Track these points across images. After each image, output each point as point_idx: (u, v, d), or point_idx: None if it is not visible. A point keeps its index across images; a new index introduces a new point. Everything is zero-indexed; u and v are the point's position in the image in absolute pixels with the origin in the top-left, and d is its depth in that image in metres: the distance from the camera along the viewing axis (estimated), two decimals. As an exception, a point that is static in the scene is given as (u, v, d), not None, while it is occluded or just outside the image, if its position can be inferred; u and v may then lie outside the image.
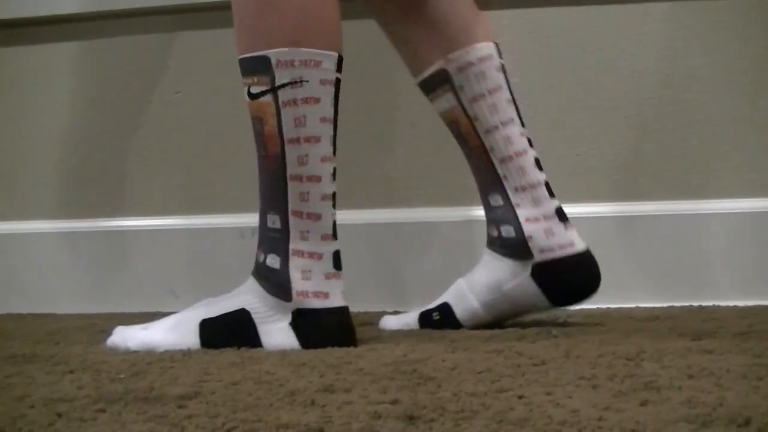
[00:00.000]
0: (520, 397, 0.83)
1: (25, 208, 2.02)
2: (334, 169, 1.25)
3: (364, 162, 1.85)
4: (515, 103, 1.44)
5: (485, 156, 1.42)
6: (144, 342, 1.25)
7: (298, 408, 0.81)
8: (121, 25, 1.96)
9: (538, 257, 1.40)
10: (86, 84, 1.98)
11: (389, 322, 1.49)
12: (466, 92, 1.41)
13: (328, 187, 1.23)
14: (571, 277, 1.41)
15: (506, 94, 1.42)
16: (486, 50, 1.42)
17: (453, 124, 1.45)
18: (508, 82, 1.44)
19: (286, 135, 1.21)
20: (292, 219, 1.22)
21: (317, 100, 1.21)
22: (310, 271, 1.22)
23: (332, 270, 1.23)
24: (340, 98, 1.26)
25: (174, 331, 1.26)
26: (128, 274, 1.92)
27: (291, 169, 1.22)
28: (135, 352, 1.22)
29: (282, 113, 1.20)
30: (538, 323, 1.45)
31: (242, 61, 1.23)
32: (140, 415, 0.79)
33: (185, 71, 1.93)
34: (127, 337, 1.27)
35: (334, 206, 1.25)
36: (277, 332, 1.23)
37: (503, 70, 1.44)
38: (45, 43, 2.01)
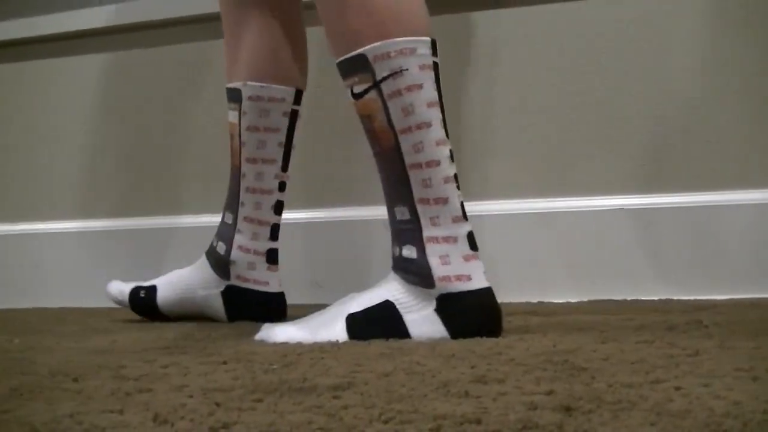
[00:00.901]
0: (677, 389, 0.81)
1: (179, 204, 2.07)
2: (450, 151, 1.24)
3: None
4: (288, 148, 1.56)
5: (237, 178, 1.56)
6: (292, 340, 1.26)
7: (452, 399, 0.80)
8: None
9: (233, 281, 1.58)
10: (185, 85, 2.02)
11: (112, 287, 1.68)
12: (247, 119, 1.53)
13: (449, 170, 1.23)
14: (252, 310, 1.57)
15: (280, 138, 1.55)
16: (280, 93, 1.53)
17: (230, 136, 1.58)
18: (291, 127, 1.56)
19: (397, 126, 1.22)
20: (419, 207, 1.23)
21: (420, 86, 1.21)
22: (447, 255, 1.22)
23: (469, 251, 1.22)
24: (440, 82, 1.25)
25: (322, 329, 1.26)
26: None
27: (408, 159, 1.22)
28: (284, 343, 1.23)
29: (389, 105, 1.22)
30: (685, 311, 1.42)
31: (340, 65, 1.25)
32: (296, 405, 0.80)
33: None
34: (274, 335, 1.28)
35: (458, 188, 1.24)
36: (423, 320, 1.22)
37: (291, 115, 1.55)
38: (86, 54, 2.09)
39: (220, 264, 1.58)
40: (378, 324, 1.24)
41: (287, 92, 1.54)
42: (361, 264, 1.89)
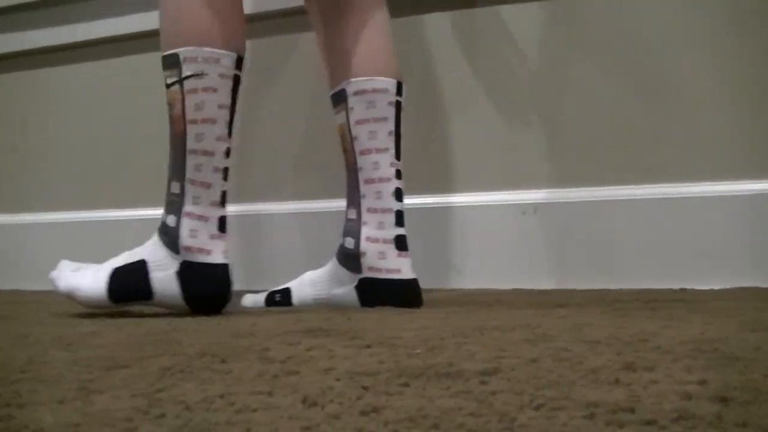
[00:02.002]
0: (839, 381, 0.78)
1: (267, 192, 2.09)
2: (228, 148, 1.50)
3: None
4: (398, 138, 1.60)
5: (354, 173, 1.60)
6: (70, 284, 1.53)
7: (602, 386, 0.79)
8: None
9: (366, 273, 1.59)
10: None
11: (247, 300, 1.73)
12: (355, 114, 1.58)
13: (220, 162, 1.49)
14: (388, 299, 1.57)
15: (390, 127, 1.59)
16: (383, 84, 1.59)
17: (341, 138, 1.62)
18: (398, 117, 1.60)
19: (188, 117, 1.46)
20: (187, 186, 1.48)
21: (215, 90, 1.47)
22: (197, 230, 1.47)
23: (216, 232, 1.49)
24: (239, 92, 1.51)
25: (91, 277, 1.52)
26: (415, 251, 1.94)
27: (190, 145, 1.47)
28: (426, 327, 1.23)
29: (186, 99, 1.46)
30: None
31: (162, 59, 1.49)
32: (444, 390, 0.80)
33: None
34: (61, 276, 1.55)
35: (225, 179, 1.50)
36: (165, 279, 1.50)
37: (396, 106, 1.60)
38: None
39: (351, 259, 1.59)
40: (130, 278, 1.51)
41: (391, 83, 1.59)
42: (497, 248, 1.88)
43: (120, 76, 2.39)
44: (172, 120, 1.49)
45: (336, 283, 1.61)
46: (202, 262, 1.48)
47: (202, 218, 1.48)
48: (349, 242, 1.59)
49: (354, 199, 1.61)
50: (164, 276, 1.49)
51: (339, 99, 1.61)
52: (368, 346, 1.06)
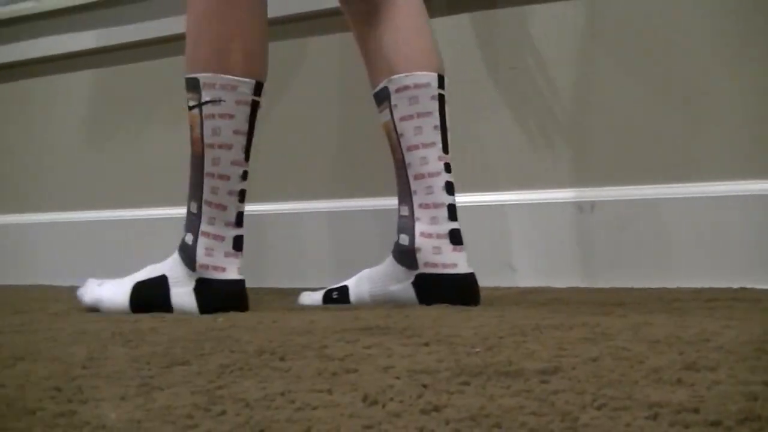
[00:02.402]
0: None
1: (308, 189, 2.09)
2: (244, 171, 1.54)
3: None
4: (444, 131, 1.58)
5: (403, 170, 1.59)
6: (95, 296, 1.63)
7: (665, 386, 0.78)
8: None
9: (422, 269, 1.57)
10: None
11: (304, 299, 1.72)
12: (399, 111, 1.58)
13: (236, 186, 1.53)
14: (445, 295, 1.55)
15: (434, 121, 1.57)
16: (425, 79, 1.58)
17: (387, 136, 1.62)
18: (442, 110, 1.59)
19: (206, 141, 1.51)
20: (204, 207, 1.53)
21: (232, 116, 1.51)
22: (213, 249, 1.53)
23: (231, 250, 1.54)
24: (257, 117, 1.55)
25: (114, 289, 1.61)
26: (470, 249, 1.94)
27: (207, 168, 1.52)
28: (484, 326, 1.22)
29: (204, 123, 1.51)
30: None
31: (185, 80, 1.53)
32: (505, 389, 0.79)
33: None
34: (86, 291, 1.65)
35: (242, 201, 1.55)
36: (184, 294, 1.54)
37: (440, 99, 1.58)
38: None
39: (406, 255, 1.58)
40: (151, 292, 1.57)
41: (432, 77, 1.58)
42: (554, 246, 1.87)
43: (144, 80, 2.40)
44: (192, 141, 1.53)
45: (393, 280, 1.60)
46: (217, 279, 1.53)
47: (218, 238, 1.53)
48: (404, 239, 1.59)
49: (405, 195, 1.60)
50: (183, 292, 1.54)
51: (382, 97, 1.61)
52: (426, 344, 1.06)
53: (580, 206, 1.85)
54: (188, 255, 1.54)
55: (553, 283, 1.85)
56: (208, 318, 1.43)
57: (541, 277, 1.87)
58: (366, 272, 1.66)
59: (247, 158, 1.54)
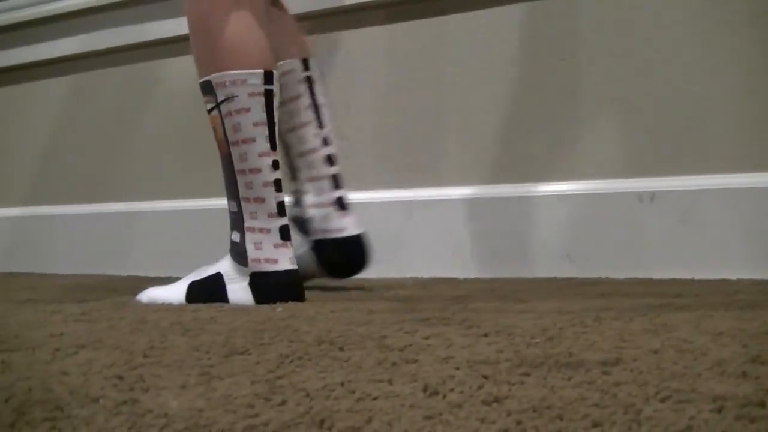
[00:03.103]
0: None
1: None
2: (274, 161, 1.54)
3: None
4: (316, 108, 1.71)
5: (288, 151, 1.73)
6: (151, 296, 1.64)
7: (729, 379, 0.77)
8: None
9: (316, 236, 1.75)
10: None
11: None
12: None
13: (269, 176, 1.53)
14: (338, 255, 1.74)
15: (305, 102, 1.70)
16: (287, 66, 1.71)
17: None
18: (311, 89, 1.70)
19: (230, 139, 1.54)
20: (243, 203, 1.54)
21: (248, 110, 1.53)
22: (261, 242, 1.53)
23: (279, 241, 1.54)
24: (273, 105, 1.55)
25: (171, 289, 1.63)
26: (528, 240, 1.93)
27: (237, 165, 1.54)
28: (543, 317, 1.22)
29: (225, 122, 1.54)
30: None
31: (199, 86, 1.57)
32: (566, 380, 0.78)
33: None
34: (144, 294, 1.66)
35: (279, 191, 1.54)
36: (239, 289, 1.56)
37: (308, 81, 1.72)
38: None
39: (300, 224, 1.76)
40: (207, 290, 1.59)
41: (296, 63, 1.74)
42: (612, 236, 1.85)
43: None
44: (218, 143, 1.57)
45: (294, 248, 1.61)
46: (270, 271, 1.54)
47: (263, 231, 1.54)
48: (297, 211, 1.76)
49: (293, 173, 1.77)
50: (238, 288, 1.56)
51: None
52: (485, 335, 1.06)
53: (639, 196, 1.83)
54: (238, 252, 1.55)
55: (611, 274, 1.83)
56: (266, 308, 1.44)
57: (599, 268, 1.85)
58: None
59: (273, 147, 1.54)
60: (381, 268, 2.08)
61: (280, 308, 1.43)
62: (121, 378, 0.88)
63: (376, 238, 2.10)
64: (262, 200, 1.53)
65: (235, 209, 1.55)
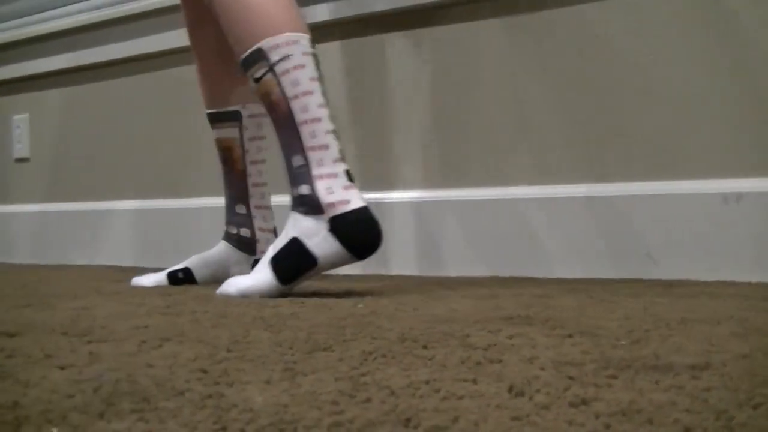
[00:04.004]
0: None
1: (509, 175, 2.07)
2: (330, 114, 1.63)
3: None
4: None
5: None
6: (240, 286, 1.63)
7: (825, 386, 0.75)
8: None
9: (258, 255, 1.94)
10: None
11: (142, 280, 1.96)
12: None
13: (329, 125, 1.61)
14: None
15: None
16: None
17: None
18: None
19: (288, 95, 1.61)
20: (309, 153, 1.60)
21: (303, 66, 1.62)
22: (331, 187, 1.59)
23: (347, 182, 1.60)
24: (319, 65, 1.65)
25: (256, 273, 1.63)
26: (610, 240, 1.90)
27: (298, 118, 1.60)
28: (628, 318, 1.20)
29: (281, 81, 1.61)
30: None
31: (244, 61, 1.66)
32: (654, 384, 0.77)
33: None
34: (230, 284, 1.65)
35: (337, 139, 1.62)
36: (321, 241, 1.59)
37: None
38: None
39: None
40: (291, 257, 1.61)
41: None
42: (697, 238, 1.82)
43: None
44: (274, 106, 1.63)
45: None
46: (347, 212, 1.59)
47: (331, 176, 1.60)
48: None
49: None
50: (320, 240, 1.59)
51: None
52: (570, 336, 1.04)
53: (725, 197, 1.80)
54: (310, 204, 1.60)
55: (695, 275, 1.80)
56: (348, 304, 1.44)
57: (684, 269, 1.82)
58: (201, 257, 2.01)
59: (327, 102, 1.64)
60: (460, 265, 2.08)
61: (361, 304, 1.43)
62: (205, 372, 0.88)
63: (455, 235, 2.09)
64: (327, 147, 1.60)
65: (301, 162, 1.61)
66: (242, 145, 1.98)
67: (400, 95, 2.24)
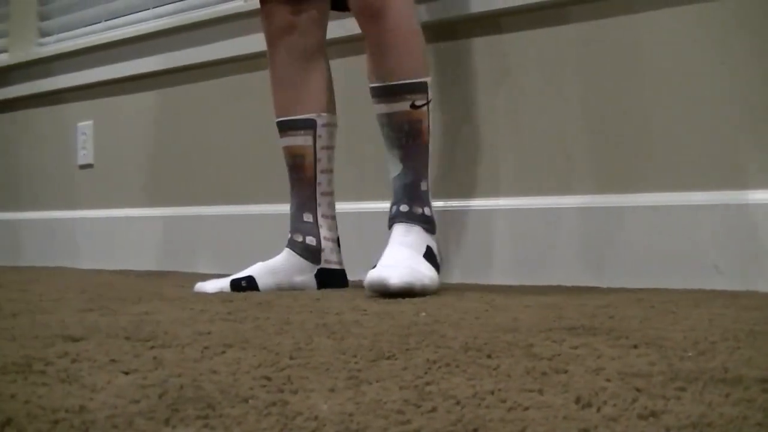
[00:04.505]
0: None
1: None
2: None
3: None
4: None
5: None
6: (424, 284, 1.75)
7: None
8: None
9: (323, 264, 2.03)
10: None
11: (205, 286, 1.98)
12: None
13: None
14: (333, 283, 2.03)
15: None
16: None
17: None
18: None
19: (430, 130, 1.89)
20: (429, 182, 1.92)
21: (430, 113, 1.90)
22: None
23: None
24: None
25: (432, 273, 1.83)
26: (674, 250, 1.88)
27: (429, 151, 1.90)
28: (693, 329, 1.18)
29: (429, 117, 1.89)
30: None
31: (408, 85, 1.86)
32: (724, 397, 0.76)
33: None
34: (418, 278, 1.74)
35: None
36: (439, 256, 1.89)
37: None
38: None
39: (311, 253, 2.02)
40: (433, 259, 1.86)
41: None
42: (762, 249, 1.79)
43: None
44: (419, 132, 1.87)
45: (296, 273, 2.01)
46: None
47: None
48: (311, 240, 2.01)
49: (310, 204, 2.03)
50: (439, 256, 1.91)
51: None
52: (635, 347, 1.03)
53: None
54: (433, 224, 1.88)
55: (764, 287, 1.77)
56: (410, 312, 1.43)
57: (750, 280, 1.80)
58: (264, 265, 2.02)
59: None
60: (524, 274, 2.07)
61: (423, 313, 1.42)
62: (269, 379, 0.88)
63: (515, 243, 2.08)
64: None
65: (426, 188, 1.88)
66: (315, 154, 2.01)
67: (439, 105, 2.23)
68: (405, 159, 1.87)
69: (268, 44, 2.06)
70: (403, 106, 1.86)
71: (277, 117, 2.06)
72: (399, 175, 1.89)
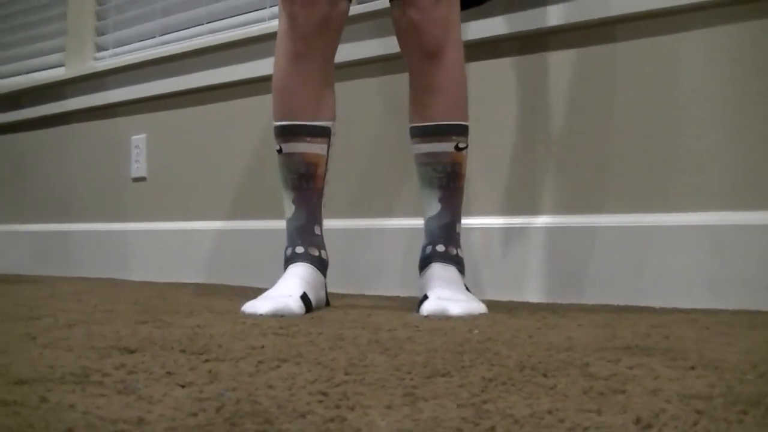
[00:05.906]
0: None
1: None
2: None
3: None
4: None
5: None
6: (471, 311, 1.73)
7: None
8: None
9: None
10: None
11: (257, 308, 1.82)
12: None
13: None
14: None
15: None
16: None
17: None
18: None
19: (464, 172, 1.91)
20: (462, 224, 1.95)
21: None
22: None
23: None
24: None
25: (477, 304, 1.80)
26: (726, 271, 1.86)
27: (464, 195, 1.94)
28: (750, 351, 1.17)
29: (466, 160, 1.91)
30: None
31: (458, 126, 1.89)
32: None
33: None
34: (475, 308, 1.75)
35: None
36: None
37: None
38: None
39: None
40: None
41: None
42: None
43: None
44: (459, 175, 1.89)
45: (321, 287, 1.92)
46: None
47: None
48: (325, 254, 1.96)
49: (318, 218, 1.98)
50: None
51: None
52: (693, 368, 1.02)
53: None
54: (463, 264, 1.89)
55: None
56: (462, 329, 1.43)
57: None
58: (304, 281, 1.88)
59: None
60: (575, 293, 2.06)
61: (476, 330, 1.42)
62: (325, 394, 0.88)
63: (566, 262, 2.07)
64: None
65: (459, 230, 1.90)
66: (326, 163, 1.94)
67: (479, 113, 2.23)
68: (444, 200, 1.88)
69: (300, 38, 1.88)
70: (449, 147, 1.87)
71: (289, 120, 1.91)
72: (436, 215, 1.89)
